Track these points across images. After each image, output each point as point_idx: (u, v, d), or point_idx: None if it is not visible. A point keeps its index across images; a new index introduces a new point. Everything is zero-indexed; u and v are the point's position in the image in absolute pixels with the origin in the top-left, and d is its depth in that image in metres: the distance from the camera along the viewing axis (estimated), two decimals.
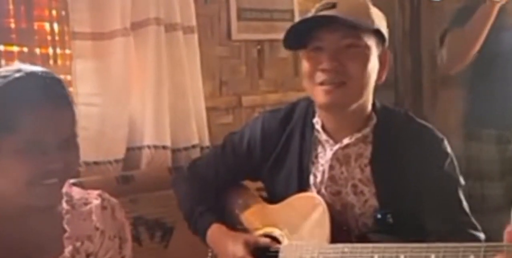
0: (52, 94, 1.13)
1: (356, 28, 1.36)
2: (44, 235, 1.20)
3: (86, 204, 1.27)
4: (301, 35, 1.40)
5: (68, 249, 1.21)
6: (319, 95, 1.40)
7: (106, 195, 1.32)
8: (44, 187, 1.12)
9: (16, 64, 1.18)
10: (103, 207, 1.28)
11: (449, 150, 1.46)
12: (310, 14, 1.42)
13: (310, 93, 1.45)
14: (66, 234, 1.22)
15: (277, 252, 1.45)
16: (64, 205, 1.25)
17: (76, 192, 1.29)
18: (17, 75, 1.12)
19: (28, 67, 1.15)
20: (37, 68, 1.17)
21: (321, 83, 1.39)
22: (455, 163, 1.46)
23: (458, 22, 2.24)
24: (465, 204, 1.42)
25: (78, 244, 1.22)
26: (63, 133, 1.14)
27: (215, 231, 1.54)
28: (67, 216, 1.24)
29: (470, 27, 2.19)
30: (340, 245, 1.32)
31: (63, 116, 1.15)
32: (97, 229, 1.26)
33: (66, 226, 1.23)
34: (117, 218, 1.30)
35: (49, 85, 1.14)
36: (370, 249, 1.26)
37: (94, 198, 1.29)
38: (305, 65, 1.43)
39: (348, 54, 1.37)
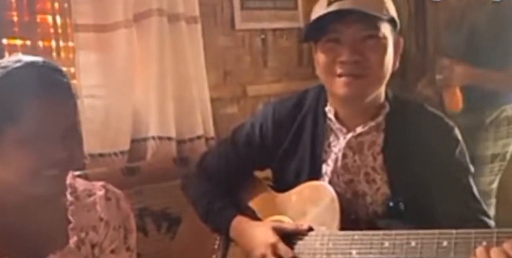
0: (53, 83, 1.13)
1: (373, 19, 1.36)
2: (49, 226, 1.21)
3: (90, 195, 1.28)
4: (318, 28, 1.39)
5: (73, 240, 1.21)
6: (338, 87, 1.39)
7: (110, 186, 1.32)
8: (47, 177, 1.12)
9: (18, 56, 1.17)
10: (107, 198, 1.29)
11: (459, 137, 1.46)
12: (323, 2, 1.41)
13: (327, 84, 1.45)
14: (71, 225, 1.23)
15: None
16: (69, 197, 1.25)
17: (80, 184, 1.29)
18: (17, 65, 1.11)
19: (28, 58, 1.14)
20: (37, 59, 1.16)
21: (341, 75, 1.38)
22: (465, 150, 1.46)
23: None
24: (475, 190, 1.42)
25: (82, 234, 1.23)
26: (65, 122, 1.13)
27: (239, 224, 1.54)
28: (72, 207, 1.24)
29: None
30: (350, 232, 1.32)
31: (64, 105, 1.14)
32: (101, 219, 1.26)
33: (70, 217, 1.23)
34: (121, 208, 1.31)
35: (49, 74, 1.13)
36: (381, 236, 1.26)
37: (98, 189, 1.29)
38: (321, 57, 1.42)
39: (368, 46, 1.37)
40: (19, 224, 1.18)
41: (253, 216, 1.58)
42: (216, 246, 1.62)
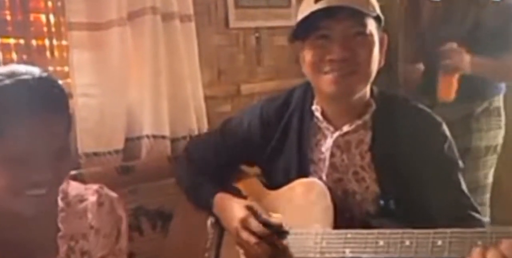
0: (45, 102, 1.08)
1: (362, 16, 1.36)
2: (38, 235, 1.18)
3: (82, 201, 1.25)
4: (307, 25, 1.39)
5: (63, 249, 1.19)
6: (326, 84, 1.40)
7: (104, 190, 1.29)
8: (30, 197, 1.08)
9: (12, 67, 1.12)
10: (99, 204, 1.26)
11: (447, 133, 1.46)
12: (309, 2, 1.40)
13: (314, 82, 1.45)
14: (60, 233, 1.20)
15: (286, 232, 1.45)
16: (60, 203, 1.22)
17: (73, 188, 1.26)
18: (8, 82, 1.06)
19: (23, 71, 1.09)
20: (34, 71, 1.10)
21: (329, 72, 1.38)
22: (454, 146, 1.46)
23: None
24: (464, 186, 1.43)
25: (72, 243, 1.21)
26: (55, 143, 1.09)
27: (221, 199, 1.55)
28: (62, 214, 1.22)
29: None
30: (343, 231, 1.31)
31: (56, 125, 1.09)
32: (92, 227, 1.24)
33: (60, 225, 1.20)
34: (115, 212, 1.29)
35: (43, 92, 1.08)
36: (375, 235, 1.25)
37: (91, 194, 1.26)
38: (309, 55, 1.42)
39: (357, 43, 1.37)
40: (7, 234, 1.15)
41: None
42: (208, 245, 1.62)
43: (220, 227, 1.59)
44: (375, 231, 1.26)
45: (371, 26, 1.39)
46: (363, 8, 1.36)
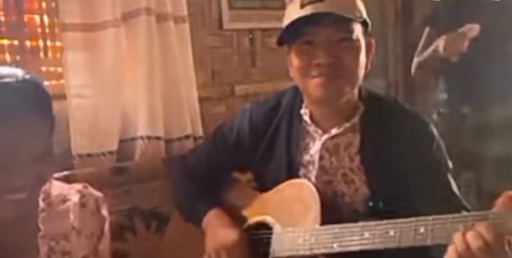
0: (28, 104, 1.05)
1: (347, 22, 1.37)
2: (18, 236, 1.16)
3: (64, 201, 1.23)
4: (292, 31, 1.40)
5: (43, 250, 1.18)
6: (313, 88, 1.40)
7: (88, 190, 1.27)
8: (9, 202, 1.06)
9: None
10: (82, 204, 1.24)
11: (435, 133, 1.47)
12: (296, 5, 1.41)
13: (302, 86, 1.46)
14: (41, 233, 1.18)
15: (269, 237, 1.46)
16: (41, 203, 1.20)
17: (56, 188, 1.24)
18: None
19: (6, 73, 1.06)
20: (16, 73, 1.07)
21: (316, 76, 1.39)
22: (443, 146, 1.47)
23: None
24: (454, 186, 1.44)
25: (53, 243, 1.19)
26: (38, 146, 1.07)
27: (213, 217, 1.56)
28: (43, 214, 1.20)
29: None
30: (331, 226, 1.34)
31: (39, 127, 1.07)
32: (73, 228, 1.22)
33: (40, 225, 1.19)
34: (98, 213, 1.26)
35: (26, 94, 1.05)
36: (360, 228, 1.28)
37: (73, 194, 1.24)
38: (296, 60, 1.42)
39: (342, 48, 1.38)
40: None
41: (238, 214, 1.59)
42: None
43: None
44: (361, 223, 1.29)
45: (357, 31, 1.39)
46: (349, 14, 1.36)
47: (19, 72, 1.09)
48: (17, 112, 1.03)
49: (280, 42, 1.46)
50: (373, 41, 1.47)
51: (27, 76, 1.09)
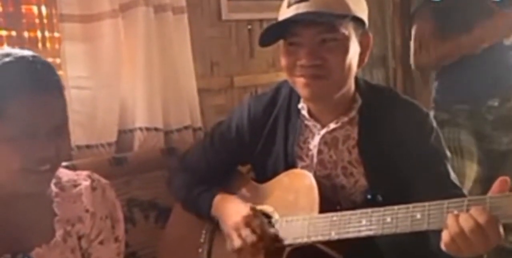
0: (43, 79, 1.10)
1: (332, 20, 1.34)
2: (34, 219, 1.19)
3: (75, 185, 1.26)
4: (277, 31, 1.39)
5: (59, 233, 1.20)
6: (300, 88, 1.41)
7: (96, 176, 1.31)
8: (37, 173, 1.11)
9: (5, 49, 1.15)
10: (92, 188, 1.27)
11: (434, 124, 1.47)
12: (285, 4, 1.41)
13: (291, 84, 1.46)
14: (57, 218, 1.21)
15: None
16: (53, 188, 1.23)
17: (65, 174, 1.28)
18: (6, 59, 1.09)
19: (18, 51, 1.12)
20: (27, 53, 1.13)
21: (300, 76, 1.39)
22: (441, 136, 1.47)
23: None
24: (453, 176, 1.44)
25: (69, 227, 1.22)
26: (55, 119, 1.12)
27: (219, 200, 1.56)
28: (57, 199, 1.23)
29: None
30: (328, 214, 1.34)
31: (54, 102, 1.12)
32: (87, 211, 1.25)
33: (56, 209, 1.22)
34: (107, 198, 1.30)
35: (39, 70, 1.11)
36: (358, 215, 1.29)
37: (83, 179, 1.28)
38: (283, 59, 1.42)
39: (326, 49, 1.37)
40: (3, 218, 1.16)
41: None
42: (202, 240, 1.63)
43: (213, 224, 1.60)
44: (358, 211, 1.30)
45: (346, 29, 1.37)
46: (337, 12, 1.34)
47: (28, 52, 1.15)
48: (35, 85, 1.09)
49: (263, 44, 1.44)
50: (370, 35, 1.45)
51: (37, 55, 1.15)
